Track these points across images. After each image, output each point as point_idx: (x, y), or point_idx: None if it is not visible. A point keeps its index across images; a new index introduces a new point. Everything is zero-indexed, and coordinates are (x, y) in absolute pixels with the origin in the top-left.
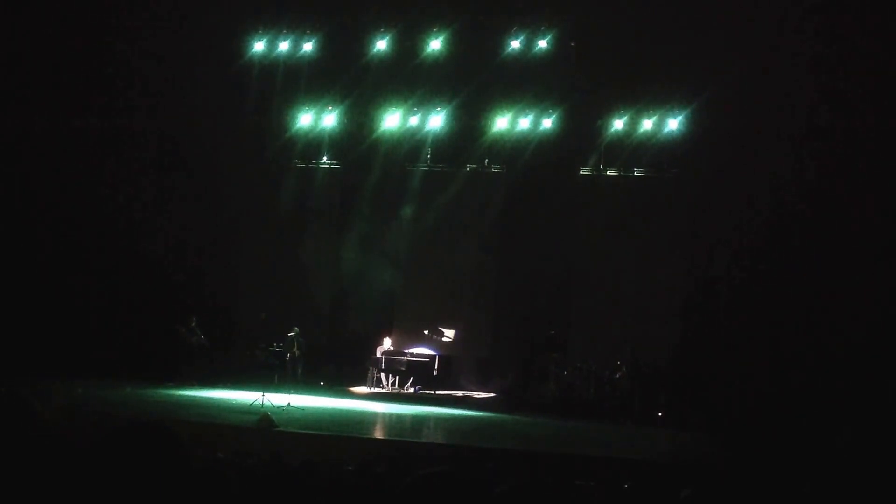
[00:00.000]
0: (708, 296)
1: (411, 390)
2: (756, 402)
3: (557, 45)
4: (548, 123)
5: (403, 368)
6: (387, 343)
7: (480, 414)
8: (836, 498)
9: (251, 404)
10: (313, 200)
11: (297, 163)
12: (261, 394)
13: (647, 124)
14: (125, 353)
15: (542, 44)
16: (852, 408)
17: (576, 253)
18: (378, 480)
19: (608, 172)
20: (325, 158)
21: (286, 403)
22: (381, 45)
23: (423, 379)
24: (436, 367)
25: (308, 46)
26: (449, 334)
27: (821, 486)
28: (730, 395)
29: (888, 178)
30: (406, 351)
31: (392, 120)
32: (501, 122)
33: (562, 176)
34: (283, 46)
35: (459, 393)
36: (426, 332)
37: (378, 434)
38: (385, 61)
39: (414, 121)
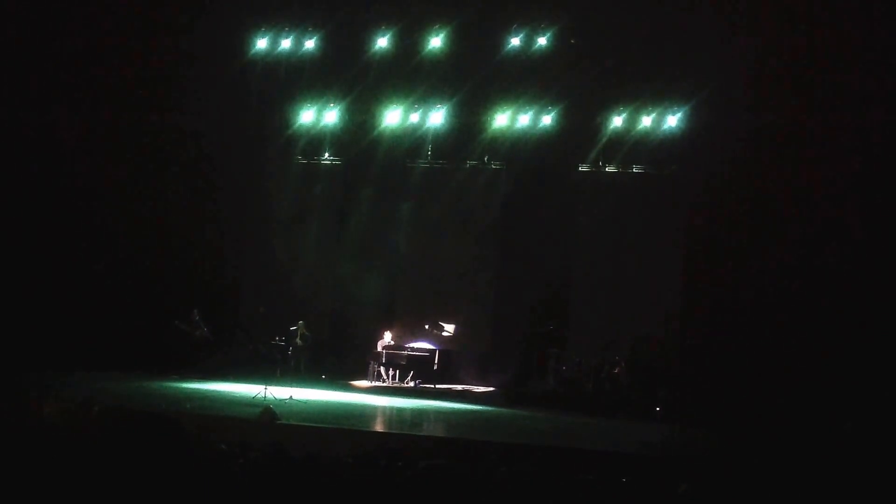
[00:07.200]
0: (707, 291)
1: (411, 384)
2: (754, 398)
3: (557, 42)
4: (547, 120)
5: (404, 362)
6: (387, 337)
7: (480, 408)
8: (837, 494)
9: (254, 397)
10: (315, 196)
11: (299, 159)
12: (263, 387)
13: (646, 121)
14: (129, 345)
15: (542, 41)
16: (853, 403)
17: (575, 249)
18: (379, 473)
19: (607, 169)
20: (326, 155)
21: (288, 396)
22: (382, 42)
23: (423, 373)
24: (436, 361)
25: (310, 44)
26: (449, 329)
27: (820, 481)
28: (728, 390)
29: (887, 174)
30: (406, 345)
31: (393, 117)
32: (501, 119)
33: (561, 172)
34: (286, 44)
35: (459, 387)
36: (426, 326)
37: (379, 427)
38: (386, 58)
39: (415, 118)
